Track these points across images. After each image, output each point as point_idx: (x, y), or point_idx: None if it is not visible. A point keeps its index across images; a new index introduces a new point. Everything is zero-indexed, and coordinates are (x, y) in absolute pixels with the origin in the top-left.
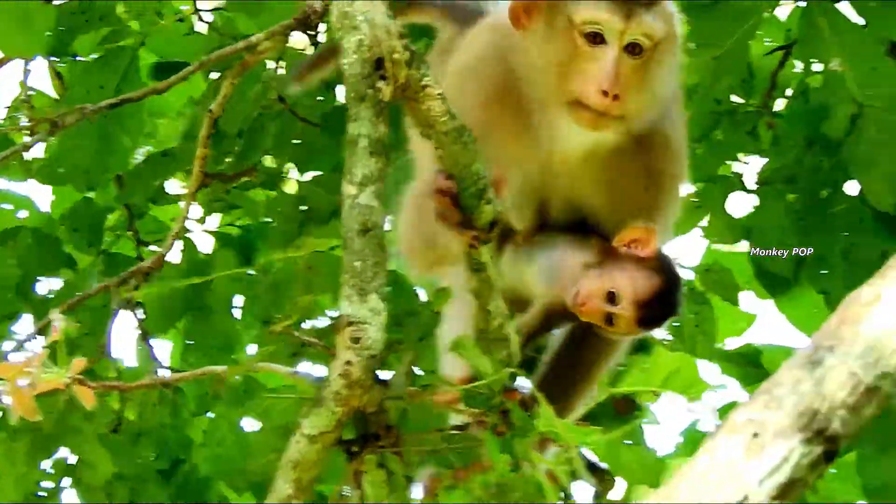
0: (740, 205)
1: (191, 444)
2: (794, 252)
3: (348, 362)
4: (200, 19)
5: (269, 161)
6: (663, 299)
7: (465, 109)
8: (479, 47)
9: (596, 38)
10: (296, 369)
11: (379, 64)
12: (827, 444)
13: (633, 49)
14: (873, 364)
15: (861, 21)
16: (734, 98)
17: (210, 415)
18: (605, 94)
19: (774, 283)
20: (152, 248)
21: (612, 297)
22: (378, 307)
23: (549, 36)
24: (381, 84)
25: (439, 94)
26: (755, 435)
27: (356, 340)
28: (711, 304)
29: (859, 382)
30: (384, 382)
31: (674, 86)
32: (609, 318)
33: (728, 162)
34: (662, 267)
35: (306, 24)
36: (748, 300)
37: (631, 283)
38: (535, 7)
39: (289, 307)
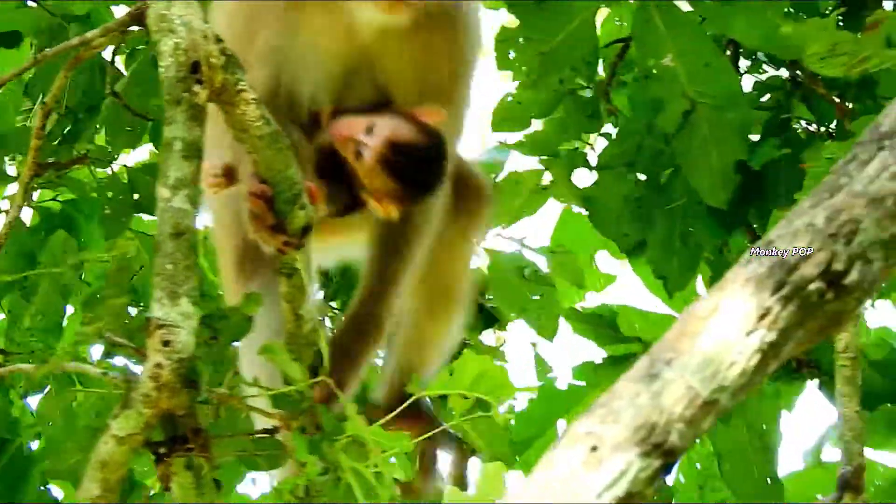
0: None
1: (17, 424)
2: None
3: (158, 365)
4: None
5: (101, 140)
6: (417, 158)
7: None
8: None
9: None
10: (105, 370)
11: (195, 68)
12: (664, 457)
13: None
14: (710, 377)
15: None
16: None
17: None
18: None
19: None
20: None
21: (369, 130)
22: (189, 311)
23: None
24: (197, 88)
25: (254, 99)
26: (593, 448)
27: (166, 343)
28: (556, 286)
29: (696, 396)
30: (194, 385)
31: None
32: (359, 154)
33: (573, 140)
34: (431, 135)
35: (140, 19)
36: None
37: (392, 125)
38: None
39: (100, 308)
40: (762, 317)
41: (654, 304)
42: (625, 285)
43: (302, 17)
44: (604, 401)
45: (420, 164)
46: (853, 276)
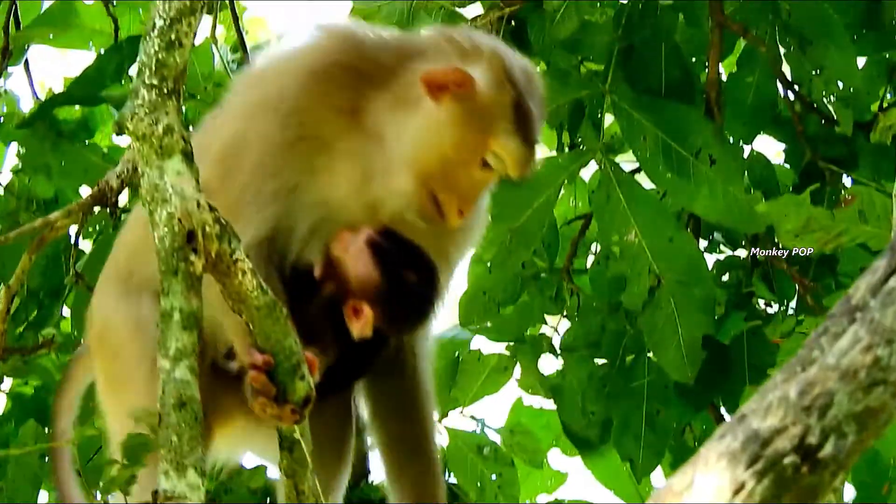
0: (550, 366)
1: None
2: (599, 417)
3: None
4: None
5: (65, 326)
6: (407, 250)
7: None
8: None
9: (486, 164)
10: None
11: (190, 237)
12: None
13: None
14: None
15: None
16: (538, 262)
17: None
18: (460, 213)
19: (581, 442)
20: None
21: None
22: (196, 482)
23: (459, 128)
24: (193, 257)
25: (250, 268)
26: None
27: None
28: (515, 465)
29: None
30: None
31: None
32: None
33: (538, 324)
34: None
35: (103, 200)
36: (558, 458)
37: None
38: (466, 90)
39: (105, 482)
40: (737, 492)
41: (606, 498)
42: (575, 485)
43: (329, 174)
44: None
45: (410, 261)
46: (828, 449)
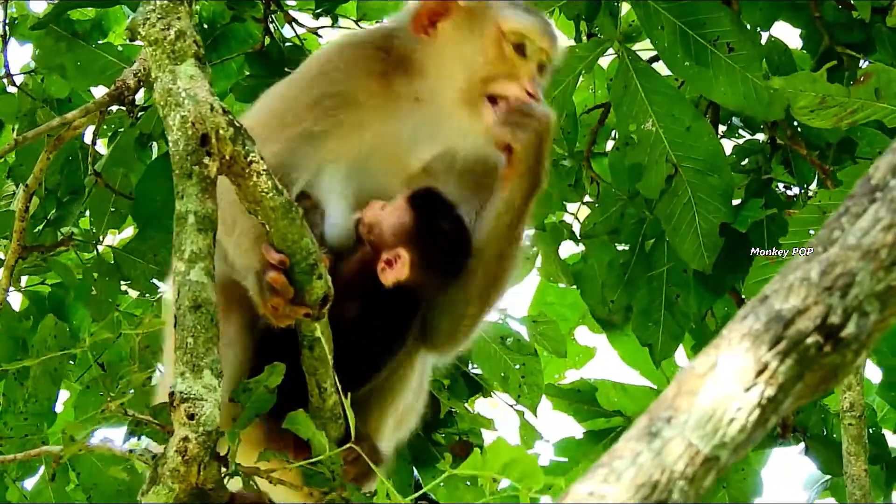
0: (571, 252)
1: None
2: (620, 304)
3: (185, 438)
4: (12, 83)
5: (84, 224)
6: (443, 205)
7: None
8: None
9: (519, 49)
10: (132, 448)
11: (204, 140)
12: None
13: (539, 68)
14: (710, 434)
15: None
16: (557, 149)
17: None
18: (528, 94)
19: (606, 323)
20: None
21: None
22: (212, 383)
23: (469, 39)
24: (207, 160)
25: (265, 170)
26: None
27: (192, 417)
28: (538, 354)
29: (697, 453)
30: (222, 458)
31: None
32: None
33: (558, 212)
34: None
35: (120, 98)
36: (585, 334)
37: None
38: (449, 9)
39: (122, 384)
40: (760, 372)
41: (632, 377)
42: (603, 361)
43: (359, 129)
44: (605, 460)
45: (446, 212)
46: (850, 329)
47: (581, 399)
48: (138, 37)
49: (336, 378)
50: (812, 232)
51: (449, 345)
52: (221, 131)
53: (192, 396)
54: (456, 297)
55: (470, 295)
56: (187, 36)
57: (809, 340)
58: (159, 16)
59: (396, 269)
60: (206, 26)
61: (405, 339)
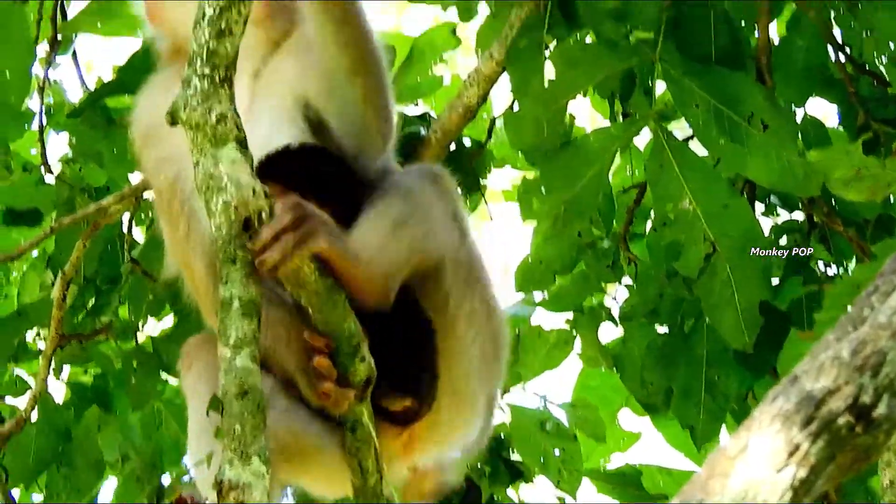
0: (610, 334)
1: None
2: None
3: None
4: (49, 171)
5: (123, 312)
6: None
7: None
8: None
9: None
10: None
11: (247, 224)
12: None
13: None
14: None
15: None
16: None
17: None
18: None
19: (648, 406)
20: (8, 400)
21: None
22: (260, 470)
23: None
24: (250, 245)
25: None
26: None
27: None
28: (577, 440)
29: None
30: None
31: None
32: None
33: (596, 294)
34: None
35: None
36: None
37: None
38: None
39: (177, 471)
40: (792, 453)
41: (678, 460)
42: (648, 444)
43: None
44: None
45: None
46: (881, 408)
47: (626, 483)
48: (179, 121)
49: (380, 458)
50: (848, 307)
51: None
52: (264, 215)
53: (240, 484)
54: None
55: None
56: (228, 119)
57: (841, 421)
58: (200, 100)
59: None
60: None
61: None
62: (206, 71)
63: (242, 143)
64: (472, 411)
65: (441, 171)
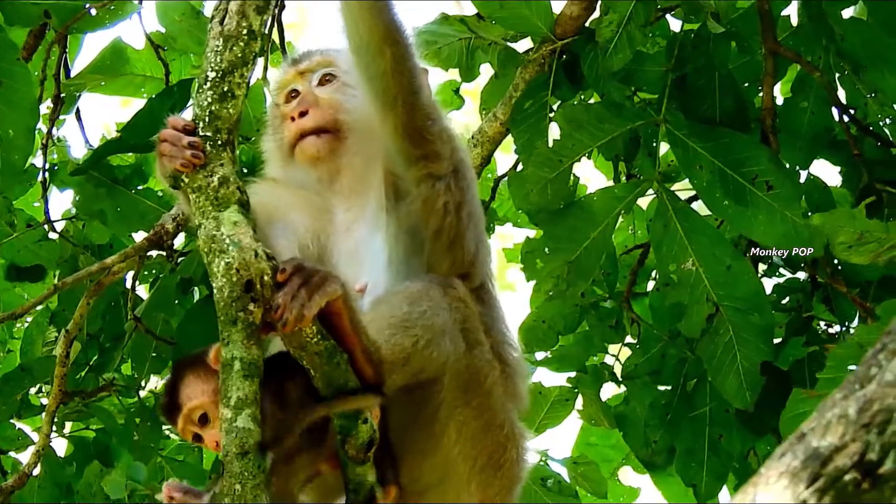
0: (611, 393)
1: None
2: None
3: None
4: (52, 229)
5: (126, 369)
6: None
7: None
8: None
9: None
10: None
11: (249, 286)
12: None
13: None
14: None
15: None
16: (597, 290)
17: None
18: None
19: (649, 464)
20: (11, 455)
21: None
22: None
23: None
24: (251, 307)
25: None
26: None
27: None
28: (578, 496)
29: None
30: None
31: None
32: None
33: (599, 353)
34: None
35: (159, 243)
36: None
37: None
38: None
39: None
40: None
41: None
42: (646, 501)
43: None
44: None
45: None
46: (888, 465)
47: None
48: (181, 184)
49: None
50: (851, 368)
51: None
52: (266, 277)
53: None
54: None
55: None
56: (230, 182)
57: (847, 478)
58: (203, 162)
59: None
60: (245, 170)
61: None
62: (209, 133)
63: (244, 206)
64: None
65: (454, 282)
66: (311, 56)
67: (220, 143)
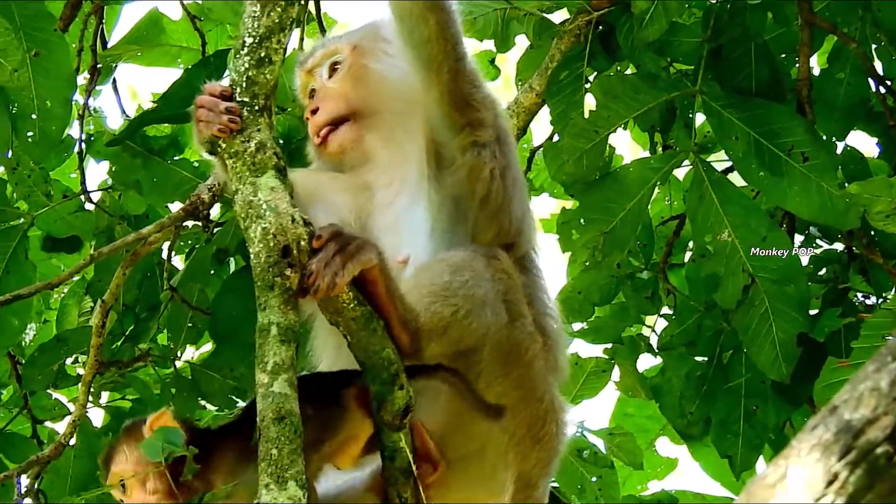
0: (648, 364)
1: None
2: (698, 416)
3: None
4: (89, 200)
5: (162, 339)
6: None
7: None
8: None
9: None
10: None
11: (286, 252)
12: None
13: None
14: None
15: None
16: (633, 262)
17: None
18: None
19: (686, 434)
20: (48, 424)
21: None
22: (297, 494)
23: None
24: (288, 272)
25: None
26: None
27: None
28: (615, 467)
29: None
30: None
31: None
32: None
33: (635, 325)
34: None
35: (195, 213)
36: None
37: None
38: None
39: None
40: (830, 483)
41: (714, 488)
42: (684, 472)
43: None
44: None
45: None
46: None
47: None
48: (218, 150)
49: (420, 488)
50: (886, 336)
51: None
52: (302, 242)
53: None
54: None
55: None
56: (267, 148)
57: (879, 450)
58: (240, 128)
59: None
60: (281, 141)
61: None
62: (246, 99)
63: (281, 171)
64: (489, 491)
65: (498, 253)
66: (315, 52)
67: (257, 108)
